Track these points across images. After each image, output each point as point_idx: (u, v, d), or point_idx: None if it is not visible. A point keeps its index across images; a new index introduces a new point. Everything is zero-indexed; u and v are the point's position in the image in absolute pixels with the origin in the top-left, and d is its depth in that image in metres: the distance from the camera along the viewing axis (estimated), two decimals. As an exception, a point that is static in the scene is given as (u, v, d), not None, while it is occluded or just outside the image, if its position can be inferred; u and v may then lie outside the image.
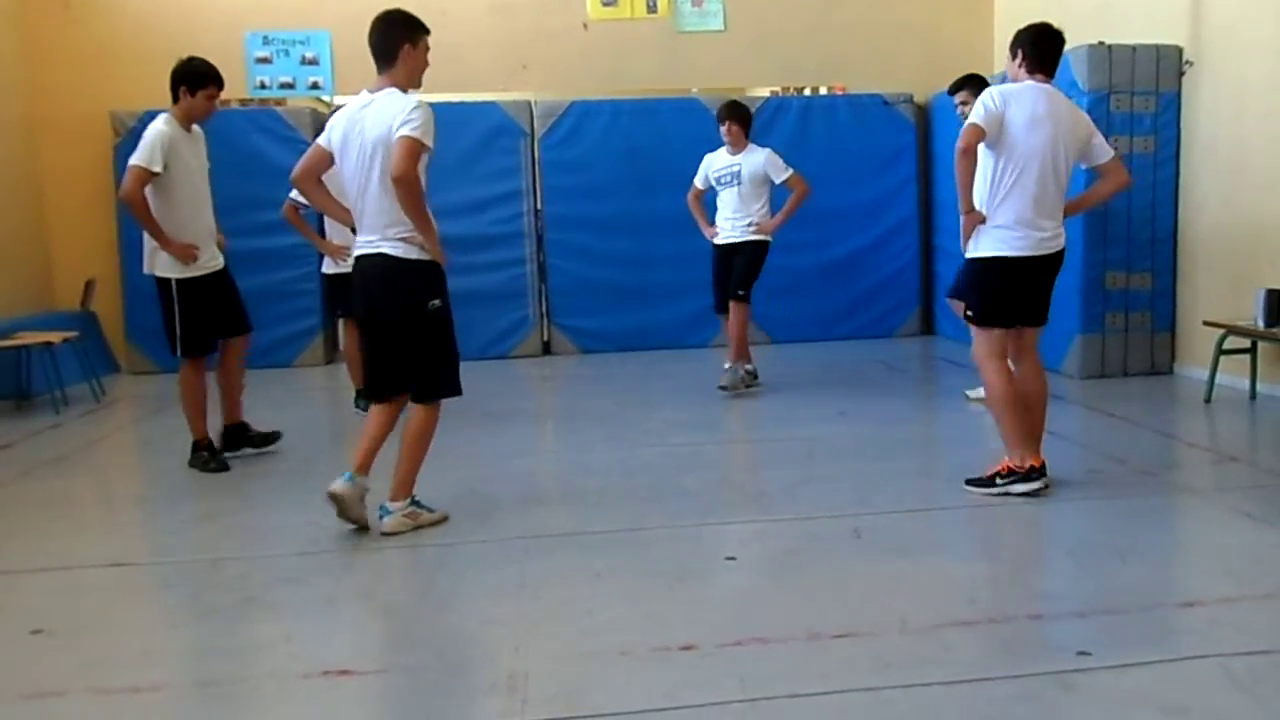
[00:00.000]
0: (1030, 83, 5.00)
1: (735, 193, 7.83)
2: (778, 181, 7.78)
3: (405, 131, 4.35)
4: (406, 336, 4.66)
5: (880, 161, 10.73)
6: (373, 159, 4.48)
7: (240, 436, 6.44)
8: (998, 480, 5.05)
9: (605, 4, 10.68)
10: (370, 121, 4.49)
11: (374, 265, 4.61)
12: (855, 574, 4.14)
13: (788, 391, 8.02)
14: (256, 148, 9.91)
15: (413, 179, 4.37)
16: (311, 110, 10.41)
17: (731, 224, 7.85)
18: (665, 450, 6.27)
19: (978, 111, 4.91)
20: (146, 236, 5.94)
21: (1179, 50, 8.04)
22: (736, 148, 7.84)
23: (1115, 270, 8.14)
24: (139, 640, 3.75)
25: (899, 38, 10.98)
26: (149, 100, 9.87)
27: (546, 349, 10.49)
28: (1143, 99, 8.02)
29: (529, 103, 10.43)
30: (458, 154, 9.90)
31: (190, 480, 5.99)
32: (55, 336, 8.31)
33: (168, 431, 7.49)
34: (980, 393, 7.04)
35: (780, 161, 7.80)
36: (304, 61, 10.38)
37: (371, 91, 4.58)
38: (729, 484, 5.74)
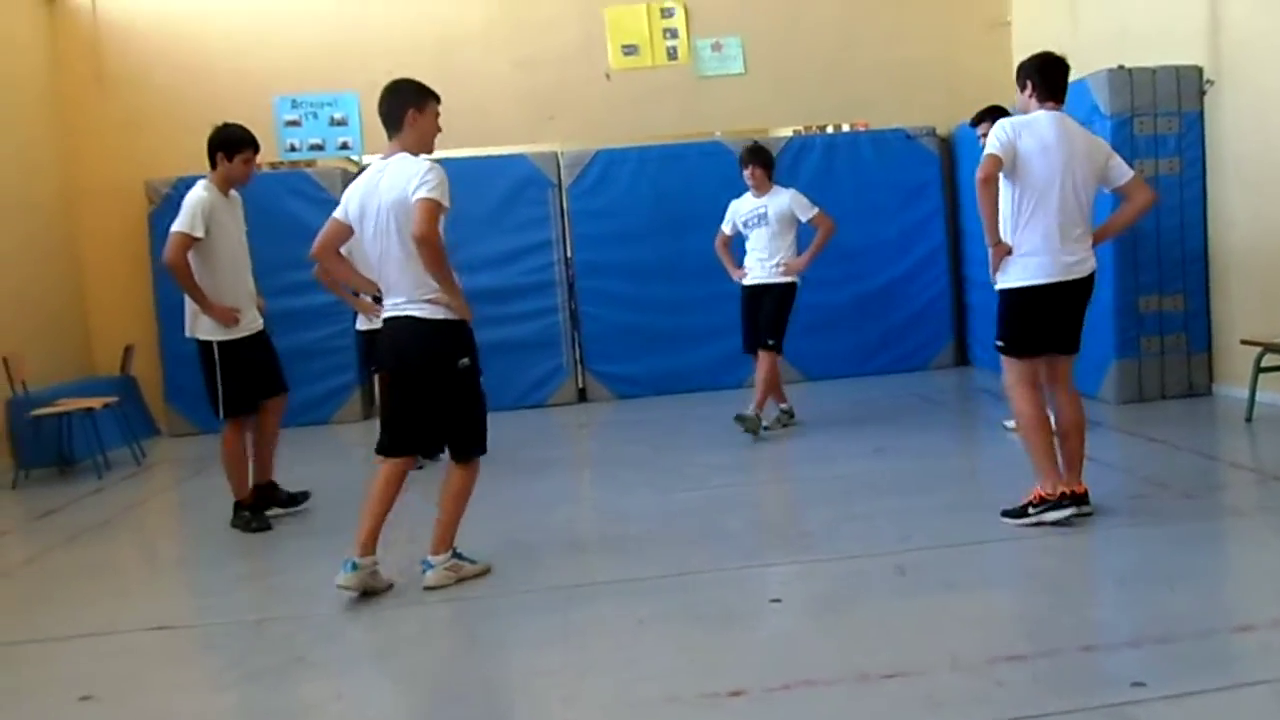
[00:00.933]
0: (1041, 112, 5.03)
1: (763, 233, 7.83)
2: (804, 220, 7.78)
3: (423, 194, 4.41)
4: (439, 396, 4.67)
5: (906, 195, 10.74)
6: (390, 224, 4.53)
7: (269, 496, 6.43)
8: (1030, 510, 5.01)
9: (626, 53, 10.80)
10: (385, 187, 4.56)
11: (403, 327, 4.64)
12: (901, 612, 4.11)
13: (824, 429, 8.00)
14: (289, 209, 10.03)
15: (434, 240, 4.41)
16: (341, 170, 10.55)
17: (760, 264, 7.85)
18: (705, 493, 6.25)
19: (993, 143, 4.96)
20: (188, 300, 6.02)
21: (1199, 70, 8.02)
22: (761, 191, 7.85)
23: (1148, 294, 8.08)
24: (187, 704, 3.76)
25: (918, 72, 11.02)
26: (182, 168, 10.09)
27: (582, 396, 10.51)
28: (1165, 120, 8.00)
29: (556, 153, 10.53)
30: (487, 207, 10.01)
31: (231, 541, 6.03)
32: (96, 402, 8.41)
33: (208, 493, 7.56)
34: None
35: (805, 200, 7.80)
36: (332, 123, 10.54)
37: (384, 158, 4.66)
38: (770, 525, 5.71)
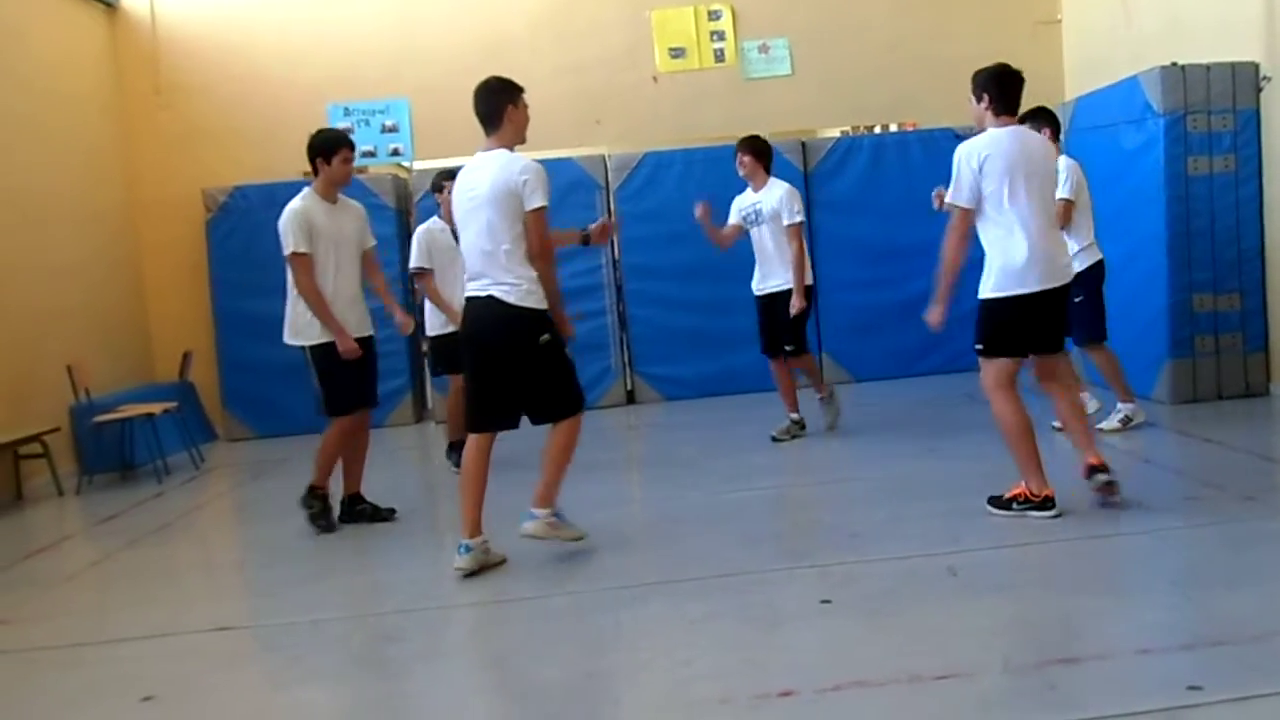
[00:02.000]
0: (998, 131, 5.13)
1: (762, 234, 7.52)
2: (784, 223, 7.41)
3: (536, 203, 4.87)
4: (525, 372, 4.93)
5: (955, 195, 10.65)
6: (486, 213, 4.88)
7: (355, 508, 6.33)
8: (1014, 505, 5.18)
9: (674, 56, 10.84)
10: (483, 179, 4.92)
11: (485, 307, 4.92)
12: (953, 613, 4.10)
13: (873, 430, 7.97)
14: (340, 216, 10.16)
15: (549, 250, 4.96)
16: (393, 176, 10.68)
17: (764, 272, 7.63)
18: (754, 494, 6.26)
19: (958, 191, 5.12)
20: (289, 307, 6.11)
21: (1255, 66, 7.90)
22: (755, 183, 7.52)
23: (1202, 292, 7.97)
24: (246, 704, 3.85)
25: (967, 71, 10.82)
26: (238, 176, 10.31)
27: (630, 398, 10.55)
28: (1220, 118, 7.89)
29: (603, 157, 10.58)
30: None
31: (289, 543, 6.12)
32: (156, 408, 8.58)
33: (265, 497, 7.70)
34: (1115, 423, 7.00)
35: (795, 205, 7.43)
36: (384, 129, 10.67)
37: (484, 151, 5.03)
38: (820, 526, 5.71)
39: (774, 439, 7.69)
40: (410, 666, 4.04)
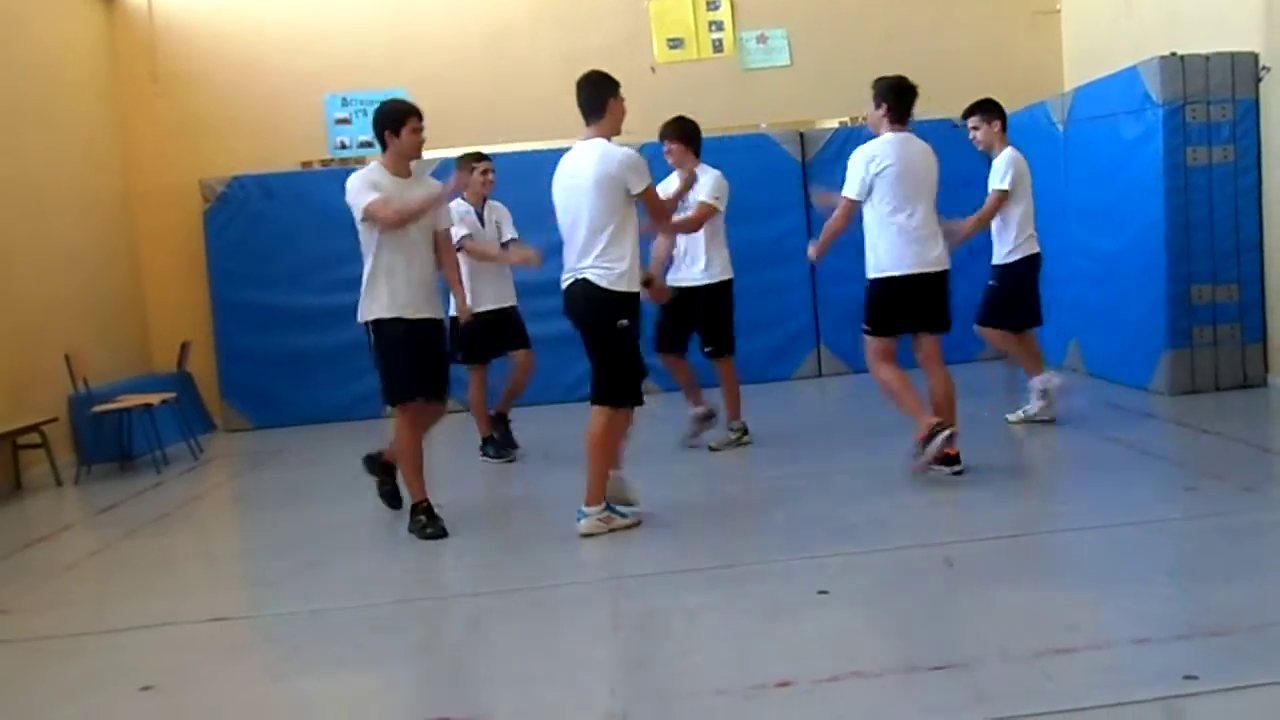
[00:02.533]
0: (891, 135, 5.95)
1: None
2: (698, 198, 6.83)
3: (643, 184, 5.25)
4: (594, 347, 5.29)
5: (954, 185, 10.53)
6: (587, 198, 5.18)
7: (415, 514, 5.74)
8: (924, 448, 5.74)
9: (672, 46, 10.82)
10: (585, 167, 5.23)
11: (580, 288, 5.25)
12: (950, 604, 4.11)
13: (869, 421, 7.96)
14: (340, 206, 10.10)
15: (668, 213, 5.72)
16: (389, 166, 10.67)
17: (682, 262, 7.07)
18: (751, 485, 6.27)
19: (852, 185, 5.90)
20: (366, 284, 5.64)
21: (1254, 57, 7.89)
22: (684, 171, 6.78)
23: (1200, 283, 7.96)
24: (244, 694, 3.85)
25: (966, 60, 10.91)
26: (236, 166, 10.29)
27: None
28: (1219, 108, 7.87)
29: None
30: (535, 201, 10.04)
31: (287, 533, 6.13)
32: (154, 398, 8.58)
33: (264, 486, 7.72)
34: (1020, 415, 7.06)
35: (712, 186, 6.90)
36: (382, 119, 10.64)
37: (583, 141, 5.35)
38: (817, 516, 5.70)
39: (690, 442, 7.36)
40: (408, 657, 4.05)
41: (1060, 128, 9.36)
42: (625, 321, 5.20)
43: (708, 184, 6.91)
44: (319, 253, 10.03)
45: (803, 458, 7.16)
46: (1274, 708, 3.02)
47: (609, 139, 5.29)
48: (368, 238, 5.61)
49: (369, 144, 10.65)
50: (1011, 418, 7.27)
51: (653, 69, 10.76)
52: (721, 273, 7.09)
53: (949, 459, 5.79)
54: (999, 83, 10.66)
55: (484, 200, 7.54)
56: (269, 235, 10.23)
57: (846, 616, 4.12)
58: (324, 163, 10.60)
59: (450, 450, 7.95)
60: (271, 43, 10.56)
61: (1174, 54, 7.89)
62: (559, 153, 10.73)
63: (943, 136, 10.55)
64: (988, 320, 7.29)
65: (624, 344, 5.25)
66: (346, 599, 4.81)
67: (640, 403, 5.37)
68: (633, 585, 4.61)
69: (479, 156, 7.55)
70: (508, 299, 7.54)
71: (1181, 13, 8.64)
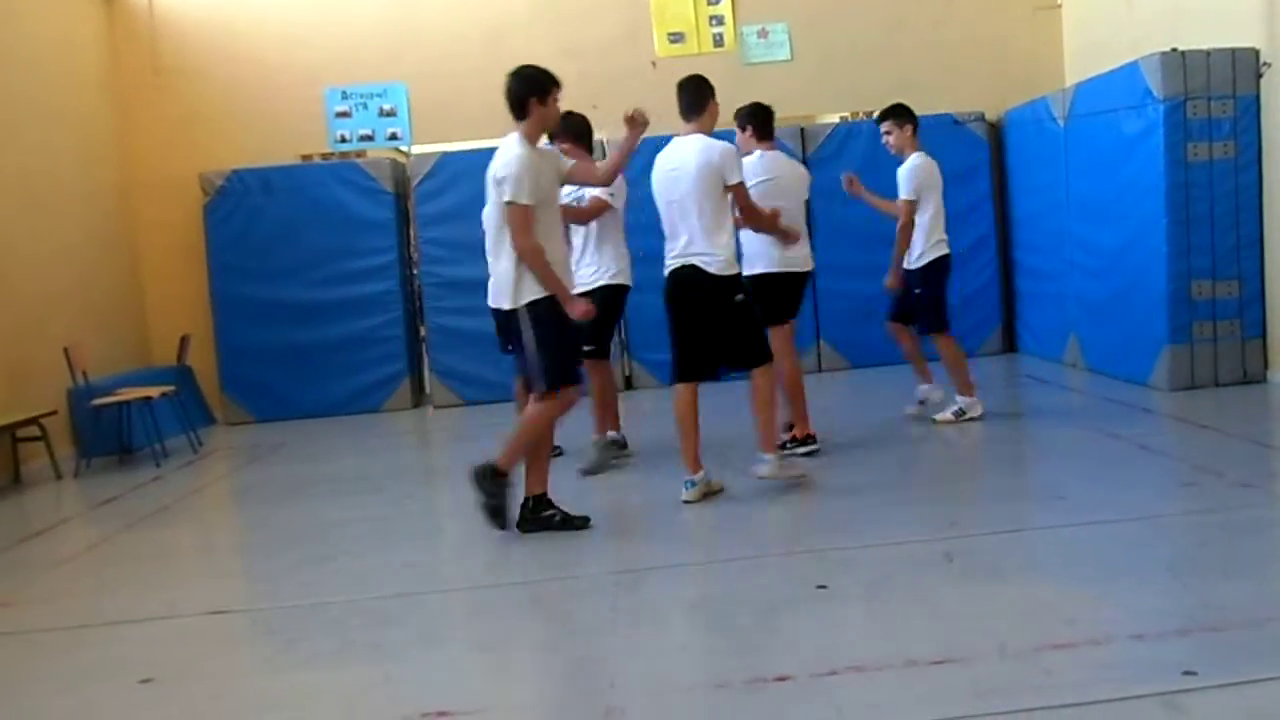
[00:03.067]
0: (765, 154, 6.60)
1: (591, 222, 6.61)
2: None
3: (736, 178, 5.68)
4: (723, 329, 5.66)
5: (954, 180, 10.54)
6: (688, 189, 5.62)
7: (541, 513, 5.40)
8: (796, 446, 6.49)
9: (672, 41, 10.81)
10: (688, 159, 5.67)
11: (689, 274, 5.65)
12: (949, 598, 4.11)
13: (869, 417, 7.97)
14: (339, 199, 10.18)
15: (751, 209, 5.91)
16: (391, 161, 10.66)
17: (578, 267, 6.57)
18: (748, 481, 6.26)
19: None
20: (510, 270, 5.23)
21: (1255, 52, 7.88)
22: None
23: (1201, 279, 7.96)
24: (243, 686, 3.85)
25: (966, 55, 10.92)
26: (236, 160, 10.28)
27: (628, 383, 10.53)
28: (1220, 104, 7.86)
29: (601, 142, 10.53)
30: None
31: (286, 527, 6.14)
32: (154, 391, 8.58)
33: (263, 480, 7.72)
34: (949, 415, 7.27)
35: (613, 186, 6.51)
36: (382, 114, 10.64)
37: (683, 135, 5.83)
38: (815, 511, 5.71)
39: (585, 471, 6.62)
40: (406, 650, 4.05)
41: (1061, 123, 9.35)
42: (740, 296, 5.66)
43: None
44: (319, 246, 10.06)
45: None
46: (1273, 703, 3.02)
47: (708, 134, 5.75)
48: (503, 220, 5.22)
49: (369, 137, 10.67)
50: (939, 416, 7.36)
51: (653, 64, 10.75)
52: (613, 277, 6.73)
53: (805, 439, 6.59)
54: (999, 77, 10.72)
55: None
56: (269, 229, 10.23)
57: (845, 611, 4.12)
58: (324, 156, 10.61)
59: (450, 440, 7.96)
60: (271, 36, 10.55)
61: (1175, 49, 7.88)
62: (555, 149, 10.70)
63: (944, 131, 10.64)
64: (933, 327, 7.40)
65: (748, 310, 5.71)
66: (346, 592, 4.81)
67: (770, 357, 5.80)
68: (631, 579, 4.61)
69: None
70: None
71: (1183, 8, 8.63)
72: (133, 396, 8.44)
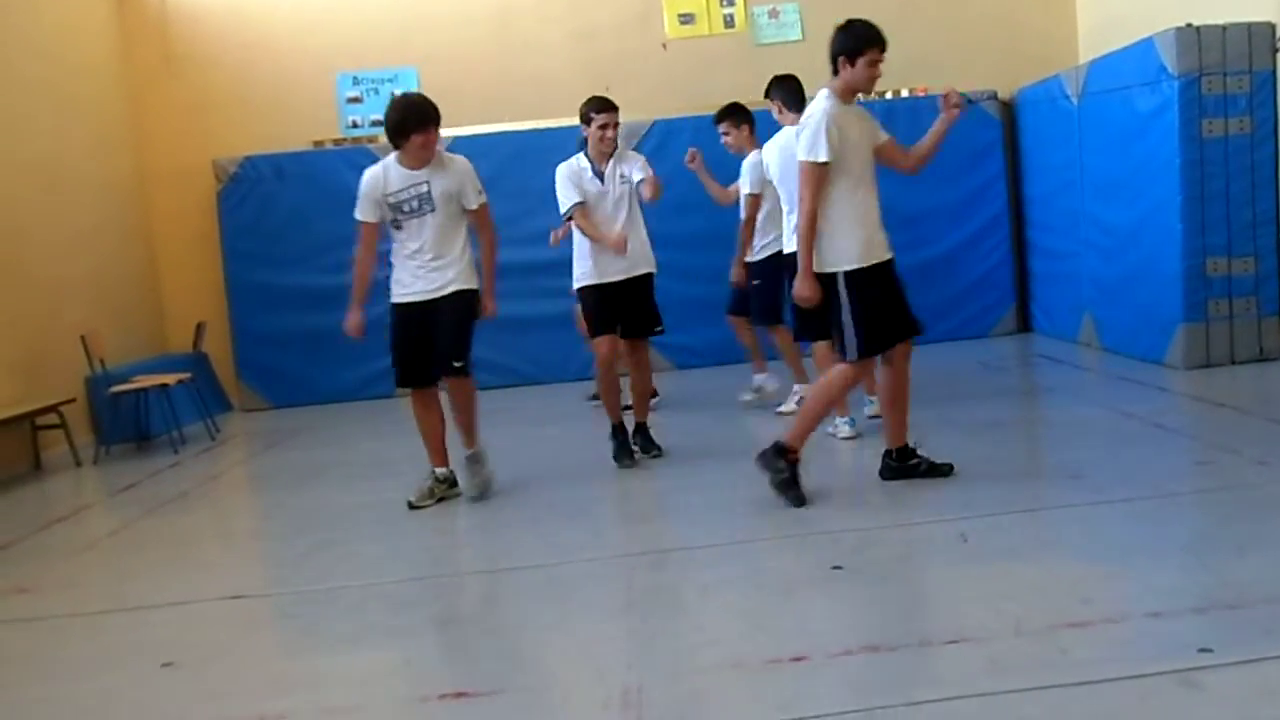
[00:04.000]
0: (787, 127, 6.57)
1: (427, 223, 5.89)
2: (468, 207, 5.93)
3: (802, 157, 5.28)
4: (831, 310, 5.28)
5: (967, 160, 10.59)
6: (791, 172, 5.65)
7: (907, 461, 5.47)
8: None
9: (683, 22, 10.77)
10: (792, 142, 5.67)
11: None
12: (964, 578, 4.11)
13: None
14: (353, 185, 10.06)
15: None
16: (401, 145, 10.66)
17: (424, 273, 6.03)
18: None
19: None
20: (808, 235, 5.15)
21: (1271, 27, 7.81)
22: (416, 162, 5.88)
23: (1216, 256, 7.91)
24: (262, 670, 3.89)
25: (979, 33, 10.85)
26: (249, 146, 10.31)
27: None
28: (1235, 80, 7.80)
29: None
30: (543, 181, 10.04)
31: (303, 513, 6.17)
32: (171, 378, 8.62)
33: (281, 465, 7.76)
34: (792, 405, 7.32)
35: (478, 180, 6.00)
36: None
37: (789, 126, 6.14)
38: (831, 492, 5.71)
39: (411, 505, 5.83)
40: (423, 633, 4.08)
41: (1074, 101, 9.30)
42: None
43: (476, 179, 6.06)
44: (333, 231, 10.03)
45: (818, 434, 7.16)
46: (1289, 679, 3.02)
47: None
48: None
49: (380, 122, 10.64)
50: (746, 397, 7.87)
51: (664, 45, 10.73)
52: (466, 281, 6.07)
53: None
54: (1012, 55, 10.65)
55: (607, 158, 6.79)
56: (282, 215, 10.26)
57: (861, 591, 4.13)
58: (336, 142, 10.61)
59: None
60: (282, 22, 10.56)
61: (1189, 25, 7.81)
62: (568, 130, 10.76)
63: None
64: (767, 319, 7.54)
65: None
66: (362, 576, 4.84)
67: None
68: (647, 561, 4.63)
69: (601, 108, 6.76)
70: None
71: (1197, -17, 8.56)
72: (150, 384, 8.49)
